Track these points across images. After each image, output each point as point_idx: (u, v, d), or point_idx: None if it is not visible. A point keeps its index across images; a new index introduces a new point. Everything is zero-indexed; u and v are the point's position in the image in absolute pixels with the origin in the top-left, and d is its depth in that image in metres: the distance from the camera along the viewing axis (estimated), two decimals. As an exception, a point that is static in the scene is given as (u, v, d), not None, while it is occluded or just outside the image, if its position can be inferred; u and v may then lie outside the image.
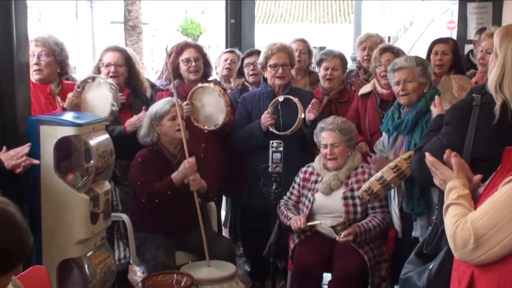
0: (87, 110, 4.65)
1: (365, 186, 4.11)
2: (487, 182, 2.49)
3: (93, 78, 4.77)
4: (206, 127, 5.02)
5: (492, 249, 2.18)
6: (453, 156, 2.64)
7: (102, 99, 4.71)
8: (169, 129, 4.66)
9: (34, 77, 4.60)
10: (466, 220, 2.26)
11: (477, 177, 2.58)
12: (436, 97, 4.02)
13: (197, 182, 4.58)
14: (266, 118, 4.92)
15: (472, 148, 2.93)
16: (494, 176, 2.45)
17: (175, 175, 4.55)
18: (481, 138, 2.92)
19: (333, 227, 4.30)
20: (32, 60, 4.57)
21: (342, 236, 4.24)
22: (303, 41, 6.07)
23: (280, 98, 4.94)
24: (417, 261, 2.93)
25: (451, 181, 2.56)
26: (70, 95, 4.61)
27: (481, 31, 6.37)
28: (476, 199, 2.46)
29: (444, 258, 2.66)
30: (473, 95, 3.04)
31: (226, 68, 6.09)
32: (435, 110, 3.93)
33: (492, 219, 2.19)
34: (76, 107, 4.60)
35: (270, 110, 4.94)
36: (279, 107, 4.97)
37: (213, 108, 5.02)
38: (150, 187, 4.52)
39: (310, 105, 4.83)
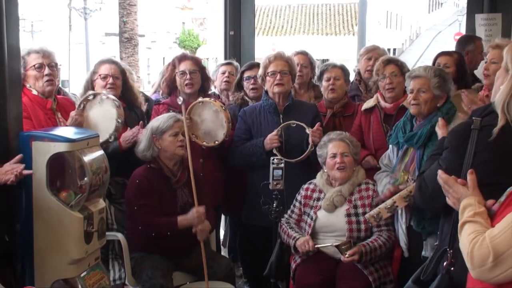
0: (90, 128, 4.56)
1: (374, 212, 4.07)
2: (502, 199, 2.43)
3: (94, 95, 4.68)
4: (204, 143, 4.89)
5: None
6: (469, 173, 2.58)
7: (105, 115, 4.65)
8: (170, 144, 4.53)
9: (46, 88, 4.49)
10: (485, 237, 2.21)
11: (489, 202, 2.51)
12: (440, 119, 4.00)
13: (205, 232, 4.49)
14: (272, 140, 4.79)
15: None
16: (511, 193, 2.39)
17: (181, 221, 4.43)
18: (480, 163, 2.85)
19: (337, 246, 4.20)
20: (43, 71, 4.47)
21: (347, 255, 4.12)
22: (304, 54, 5.91)
23: (293, 124, 4.80)
24: None
25: (466, 198, 2.51)
26: (72, 113, 4.53)
27: (474, 39, 6.32)
28: (491, 216, 2.41)
29: (437, 286, 2.67)
30: (473, 118, 2.98)
31: (225, 82, 5.98)
32: (439, 132, 3.87)
33: (511, 236, 2.14)
34: (79, 125, 4.52)
35: (278, 132, 4.81)
36: (282, 129, 4.86)
37: (212, 123, 4.89)
38: (149, 217, 4.41)
39: (311, 131, 4.71)
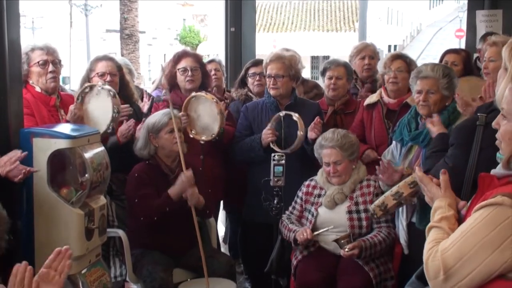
0: (89, 121, 4.57)
1: (378, 201, 3.90)
2: (468, 204, 2.42)
3: (91, 87, 4.65)
4: (203, 137, 4.88)
5: (462, 281, 2.11)
6: (441, 173, 2.55)
7: (103, 107, 4.61)
8: (167, 142, 4.52)
9: (49, 84, 4.49)
10: (438, 249, 2.20)
11: (462, 203, 2.49)
12: (435, 115, 3.92)
13: (195, 196, 4.43)
14: (267, 134, 4.80)
15: (476, 169, 2.85)
16: (473, 199, 2.37)
17: (172, 190, 4.40)
18: (485, 159, 2.85)
19: (336, 240, 4.17)
20: (47, 68, 4.47)
21: (346, 250, 4.11)
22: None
23: (282, 114, 4.82)
24: (418, 284, 2.83)
25: (437, 200, 2.50)
26: (72, 107, 4.51)
27: (485, 37, 6.28)
28: (460, 220, 2.38)
29: None
30: (478, 114, 2.95)
31: (214, 79, 5.96)
32: (433, 129, 3.83)
33: (460, 249, 2.12)
34: (79, 119, 4.51)
35: (272, 125, 4.81)
36: (282, 122, 4.86)
37: (208, 117, 4.90)
38: (148, 204, 4.38)
39: (312, 124, 4.71)
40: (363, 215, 4.34)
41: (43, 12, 32.12)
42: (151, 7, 33.02)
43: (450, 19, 47.79)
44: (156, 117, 4.60)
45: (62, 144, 3.90)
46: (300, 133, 4.71)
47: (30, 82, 4.46)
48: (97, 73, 4.91)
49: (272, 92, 4.91)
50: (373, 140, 4.96)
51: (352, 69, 5.62)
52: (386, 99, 4.97)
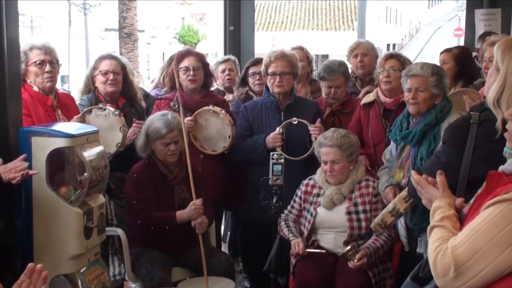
0: None
1: (378, 219, 3.94)
2: (471, 201, 2.40)
3: (104, 109, 4.70)
4: (202, 148, 4.90)
5: (473, 278, 2.09)
6: (438, 174, 2.55)
7: (107, 131, 4.62)
8: (161, 152, 4.55)
9: (46, 84, 4.47)
10: (447, 246, 2.16)
11: (459, 200, 2.48)
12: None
13: (203, 226, 4.48)
14: (275, 139, 4.80)
15: (470, 169, 2.84)
16: (479, 196, 2.35)
17: (179, 215, 4.44)
18: (479, 157, 2.85)
19: (342, 254, 4.20)
20: (44, 68, 4.45)
21: (356, 260, 4.11)
22: (300, 49, 5.94)
23: (294, 121, 4.81)
24: (413, 285, 2.84)
25: (436, 200, 2.49)
26: (75, 118, 4.53)
27: (483, 36, 6.28)
28: (462, 218, 2.37)
29: None
30: (471, 112, 2.95)
31: (227, 80, 5.96)
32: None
33: (472, 246, 2.09)
34: None
35: (280, 130, 4.81)
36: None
37: (216, 132, 4.90)
38: (148, 211, 4.41)
39: (312, 127, 4.72)
40: (362, 216, 4.35)
41: (42, 10, 32.11)
42: (150, 6, 32.99)
43: (449, 18, 47.83)
44: (157, 124, 4.57)
45: (61, 143, 3.89)
46: (314, 145, 4.67)
47: (28, 81, 4.45)
48: (101, 71, 4.92)
49: (276, 89, 4.89)
50: (370, 139, 4.96)
51: (350, 72, 5.61)
52: (382, 98, 4.96)
